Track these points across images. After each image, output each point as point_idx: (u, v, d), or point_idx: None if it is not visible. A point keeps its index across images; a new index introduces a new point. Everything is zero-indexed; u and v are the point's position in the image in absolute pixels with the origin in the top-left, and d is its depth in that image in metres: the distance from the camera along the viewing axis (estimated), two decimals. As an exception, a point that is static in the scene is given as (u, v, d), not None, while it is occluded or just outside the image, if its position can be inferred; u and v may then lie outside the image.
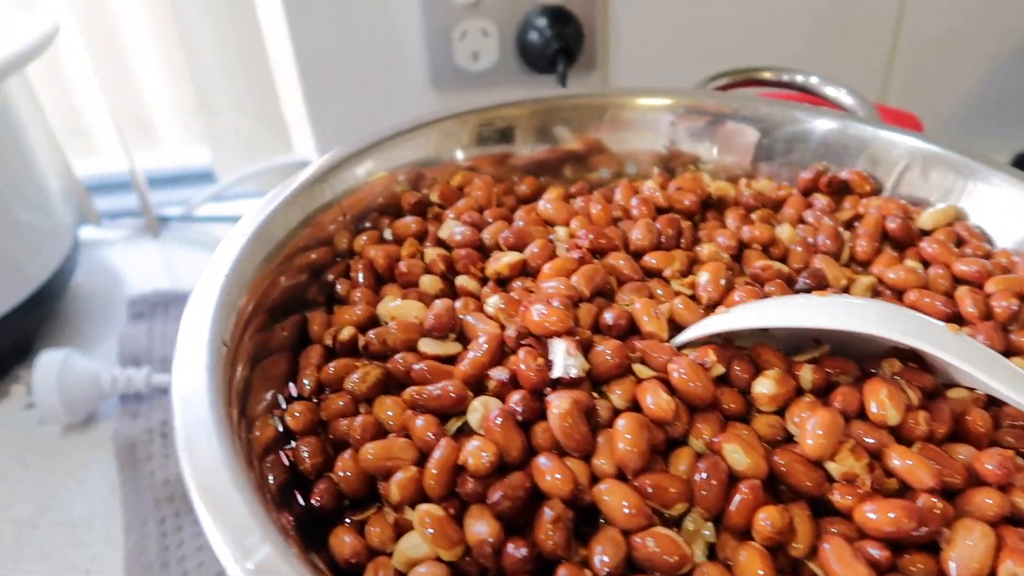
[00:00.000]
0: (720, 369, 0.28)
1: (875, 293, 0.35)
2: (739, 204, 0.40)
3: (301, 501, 0.28)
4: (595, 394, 0.28)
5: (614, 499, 0.25)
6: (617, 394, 0.28)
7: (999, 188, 0.37)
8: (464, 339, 0.32)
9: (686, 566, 0.24)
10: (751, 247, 0.37)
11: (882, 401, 0.27)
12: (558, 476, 0.25)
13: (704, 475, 0.26)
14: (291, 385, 0.32)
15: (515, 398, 0.27)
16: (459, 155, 0.42)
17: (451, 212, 0.39)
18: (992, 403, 0.29)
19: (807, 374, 0.29)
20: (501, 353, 0.30)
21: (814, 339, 0.32)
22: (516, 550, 0.24)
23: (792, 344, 0.31)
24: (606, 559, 0.24)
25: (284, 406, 0.31)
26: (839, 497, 0.25)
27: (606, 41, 0.66)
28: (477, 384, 0.29)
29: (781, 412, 0.28)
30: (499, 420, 0.26)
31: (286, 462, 0.29)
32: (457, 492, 0.26)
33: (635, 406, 0.28)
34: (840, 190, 0.40)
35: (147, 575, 0.42)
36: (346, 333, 0.32)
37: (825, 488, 0.26)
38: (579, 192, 0.41)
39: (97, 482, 0.49)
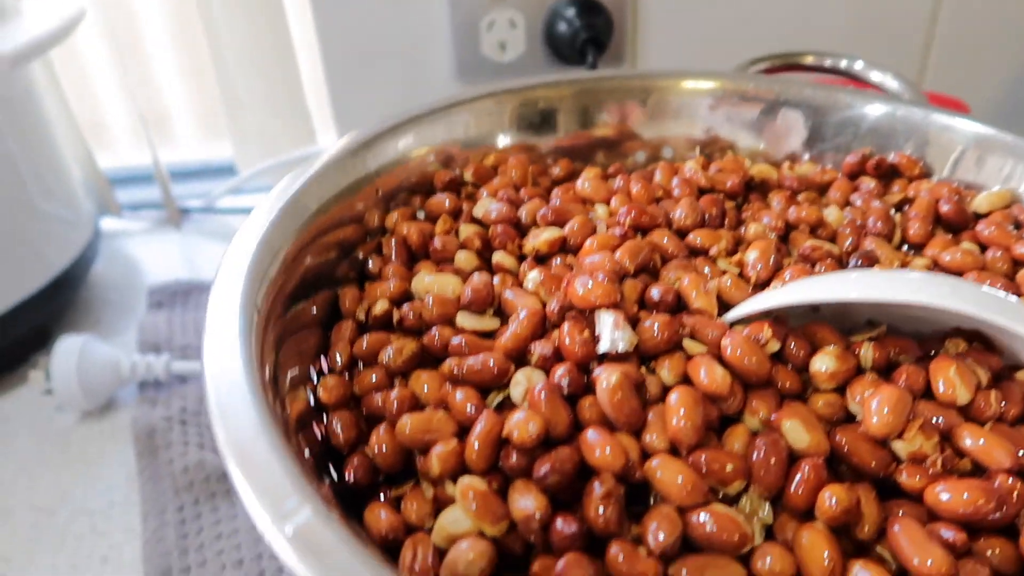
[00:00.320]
0: (776, 345, 0.27)
1: (930, 277, 0.34)
2: (783, 187, 0.39)
3: (334, 476, 0.27)
4: (644, 370, 0.27)
5: (668, 474, 0.23)
6: (666, 370, 0.27)
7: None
8: (503, 315, 0.30)
9: (747, 545, 0.23)
10: (798, 228, 0.35)
11: (950, 380, 0.25)
12: (608, 450, 0.24)
13: (762, 453, 0.24)
14: (322, 359, 0.31)
15: (560, 371, 0.26)
16: (498, 136, 0.41)
17: (485, 191, 0.38)
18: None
19: (868, 352, 0.27)
20: (543, 328, 0.29)
21: (868, 321, 0.30)
22: (566, 526, 0.22)
23: (843, 327, 0.30)
24: (661, 536, 0.22)
25: (316, 380, 0.29)
26: (907, 478, 0.24)
27: (635, 31, 0.65)
28: (519, 359, 0.28)
29: (840, 391, 0.27)
30: (544, 394, 0.25)
31: (319, 436, 0.27)
32: (500, 467, 0.25)
33: (685, 383, 0.26)
34: (888, 173, 0.39)
35: (165, 563, 0.41)
36: (380, 307, 0.31)
37: (891, 468, 0.24)
38: (616, 172, 0.40)
39: (115, 470, 0.48)
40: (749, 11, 0.65)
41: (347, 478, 0.26)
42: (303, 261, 0.31)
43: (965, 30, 0.69)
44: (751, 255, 0.32)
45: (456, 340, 0.28)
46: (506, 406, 0.27)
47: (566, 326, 0.27)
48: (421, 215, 0.37)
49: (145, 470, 0.46)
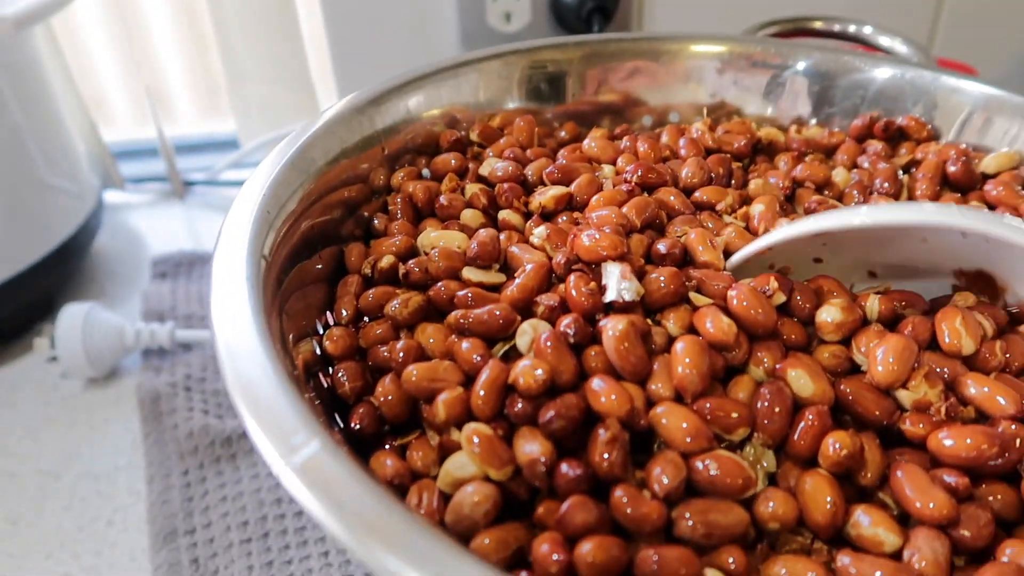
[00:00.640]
0: (781, 297, 0.27)
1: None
2: (790, 149, 0.39)
3: (340, 424, 0.27)
4: (649, 321, 0.27)
5: (673, 421, 0.24)
6: (672, 321, 0.27)
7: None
8: (508, 271, 0.30)
9: (750, 490, 0.23)
10: (803, 186, 0.35)
11: (956, 330, 0.25)
12: (614, 396, 0.24)
13: (767, 401, 0.24)
14: (328, 315, 0.31)
15: (566, 320, 0.26)
16: (505, 101, 0.40)
17: (491, 151, 0.38)
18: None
19: (874, 304, 0.27)
20: (549, 281, 0.29)
21: (870, 273, 0.30)
22: (571, 469, 0.23)
23: (847, 283, 0.30)
24: (665, 480, 0.22)
25: (322, 333, 0.29)
26: (910, 426, 0.24)
27: None
28: (525, 310, 0.28)
29: (846, 343, 0.27)
30: (550, 343, 0.25)
31: (325, 385, 0.27)
32: (505, 414, 0.25)
33: (691, 334, 0.26)
34: (896, 136, 0.39)
35: (170, 525, 0.41)
36: (386, 261, 0.31)
37: (895, 417, 0.24)
38: (623, 133, 0.40)
39: (120, 436, 0.48)
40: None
41: (353, 426, 0.26)
42: (309, 215, 0.31)
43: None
44: (756, 208, 0.32)
45: (462, 293, 0.28)
46: (512, 356, 0.27)
47: (572, 278, 0.27)
48: (427, 174, 0.37)
49: (150, 435, 0.46)
